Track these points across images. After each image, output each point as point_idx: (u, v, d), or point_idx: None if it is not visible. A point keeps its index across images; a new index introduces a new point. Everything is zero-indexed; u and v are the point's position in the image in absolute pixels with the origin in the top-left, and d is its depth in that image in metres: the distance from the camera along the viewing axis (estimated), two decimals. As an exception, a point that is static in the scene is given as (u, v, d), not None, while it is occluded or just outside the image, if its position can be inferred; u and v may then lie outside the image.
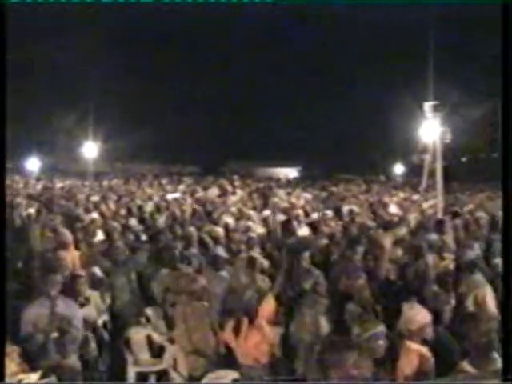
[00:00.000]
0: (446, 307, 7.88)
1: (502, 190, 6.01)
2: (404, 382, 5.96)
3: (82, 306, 8.34)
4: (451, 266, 10.24)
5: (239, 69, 76.52)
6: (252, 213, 17.35)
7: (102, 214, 16.63)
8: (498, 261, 10.47)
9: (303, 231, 14.23)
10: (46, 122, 54.57)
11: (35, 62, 56.70)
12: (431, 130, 20.44)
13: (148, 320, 8.73)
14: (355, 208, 19.27)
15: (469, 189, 36.18)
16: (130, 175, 44.25)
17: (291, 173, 72.89)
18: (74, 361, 7.36)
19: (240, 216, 16.45)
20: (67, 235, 12.01)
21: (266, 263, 10.81)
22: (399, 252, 10.91)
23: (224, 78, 76.18)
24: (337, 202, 21.86)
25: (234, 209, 18.21)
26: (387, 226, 14.40)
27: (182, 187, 30.32)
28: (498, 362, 5.74)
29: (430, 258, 10.58)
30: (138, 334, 8.57)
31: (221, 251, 11.51)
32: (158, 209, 18.50)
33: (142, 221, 16.06)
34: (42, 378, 6.09)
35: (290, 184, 41.03)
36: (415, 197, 25.84)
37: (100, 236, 13.30)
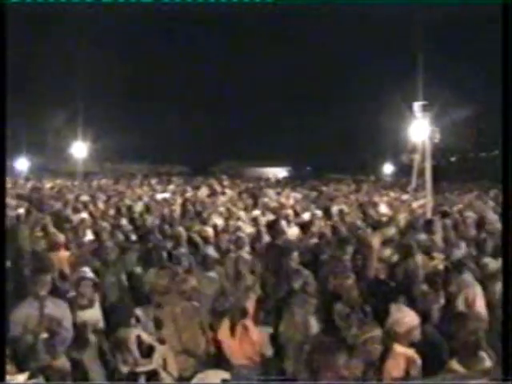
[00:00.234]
0: (435, 306, 7.89)
1: (502, 190, 6.05)
2: (393, 382, 5.98)
3: (85, 308, 8.30)
4: (441, 265, 10.27)
5: (231, 70, 76.54)
6: (241, 213, 17.36)
7: (91, 214, 16.61)
8: (487, 260, 10.53)
9: (293, 231, 14.24)
10: (35, 121, 54.42)
11: (24, 61, 56.50)
12: (420, 129, 20.48)
13: (138, 320, 8.71)
14: (345, 208, 19.30)
15: (458, 188, 36.30)
16: (120, 175, 44.19)
17: (281, 173, 72.93)
18: (63, 362, 7.34)
19: (229, 216, 16.46)
20: (59, 235, 12.00)
21: (255, 263, 10.81)
22: (388, 251, 10.92)
23: (214, 79, 76.23)
24: (326, 202, 21.87)
25: (223, 209, 18.22)
26: (377, 225, 14.43)
27: (171, 187, 30.31)
28: (485, 360, 5.77)
29: (420, 258, 10.62)
30: (127, 334, 8.54)
31: (211, 251, 11.52)
32: (147, 209, 18.48)
33: (131, 221, 16.03)
34: (29, 378, 6.07)
35: (279, 184, 41.04)
36: (405, 196, 25.90)
37: (89, 236, 13.28)
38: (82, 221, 14.41)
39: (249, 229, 14.42)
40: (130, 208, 18.47)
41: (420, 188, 24.04)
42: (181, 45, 78.82)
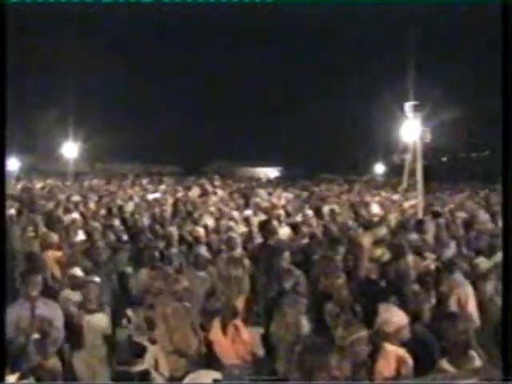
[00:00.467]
0: (426, 306, 7.90)
1: (502, 190, 6.06)
2: (383, 382, 5.99)
3: (93, 312, 8.27)
4: (432, 265, 10.30)
5: (223, 70, 76.52)
6: (233, 213, 17.36)
7: (82, 215, 16.59)
8: (479, 260, 10.58)
9: (284, 231, 14.25)
10: (25, 121, 54.26)
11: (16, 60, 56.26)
12: (412, 129, 20.57)
13: (129, 320, 8.71)
14: (336, 208, 19.33)
15: (449, 188, 36.38)
16: (111, 175, 44.12)
17: (272, 173, 72.94)
18: (54, 362, 7.34)
19: (220, 216, 16.47)
20: (52, 235, 11.99)
21: (246, 263, 10.82)
22: (379, 251, 10.95)
23: (207, 79, 76.17)
24: (318, 202, 21.90)
25: (214, 209, 18.22)
26: (368, 225, 14.46)
27: (163, 187, 30.27)
28: (475, 360, 5.79)
29: (411, 258, 10.64)
30: (119, 335, 8.55)
31: (203, 251, 11.53)
32: (138, 209, 18.46)
33: (123, 221, 16.02)
34: (20, 379, 6.07)
35: (270, 184, 41.04)
36: (395, 196, 25.95)
37: (81, 236, 13.25)
38: (74, 221, 14.38)
39: (240, 229, 14.43)
40: (121, 208, 18.46)
41: (411, 188, 24.11)
42: (175, 45, 78.74)
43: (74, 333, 8.02)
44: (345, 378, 5.17)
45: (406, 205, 20.87)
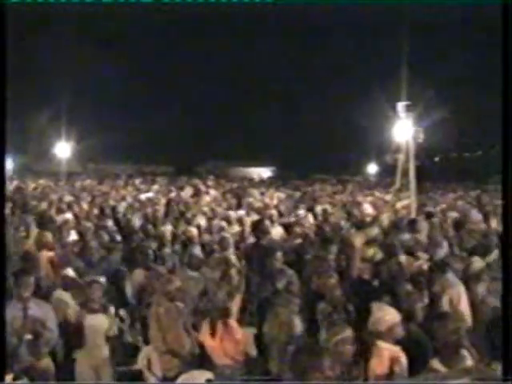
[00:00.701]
0: (419, 306, 7.92)
1: (502, 190, 6.07)
2: (375, 382, 6.01)
3: (95, 312, 8.23)
4: (425, 265, 10.32)
5: (215, 69, 76.49)
6: (228, 212, 17.38)
7: (75, 215, 16.56)
8: (471, 260, 10.60)
9: (277, 231, 14.26)
10: (18, 121, 54.11)
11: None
12: (404, 129, 20.57)
13: (122, 320, 8.70)
14: (329, 208, 19.36)
15: (441, 188, 36.46)
16: (103, 175, 44.06)
17: (265, 173, 72.90)
18: (47, 362, 7.33)
19: (213, 216, 16.47)
20: (47, 235, 11.96)
21: (239, 263, 10.83)
22: (372, 251, 10.97)
23: (199, 78, 76.12)
24: (310, 202, 21.93)
25: (207, 209, 18.23)
26: (360, 225, 14.48)
27: (156, 187, 30.26)
28: (467, 359, 5.81)
29: (403, 258, 10.66)
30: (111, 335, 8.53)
31: (197, 251, 11.53)
32: (131, 209, 18.45)
33: (116, 221, 16.00)
34: (14, 379, 6.06)
35: (263, 184, 41.05)
36: (388, 197, 25.96)
37: (73, 236, 13.23)
38: (66, 222, 14.35)
39: (234, 229, 14.45)
40: (114, 208, 18.44)
41: (404, 188, 24.12)
42: (168, 44, 78.62)
43: (74, 333, 8.00)
44: (338, 378, 5.19)
45: (399, 205, 20.89)
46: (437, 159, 77.56)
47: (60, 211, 17.07)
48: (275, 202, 22.13)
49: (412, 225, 13.89)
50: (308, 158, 70.52)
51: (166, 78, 75.94)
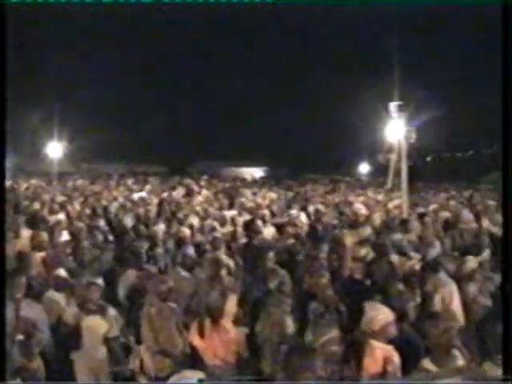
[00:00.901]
0: (410, 305, 7.93)
1: (502, 190, 6.09)
2: (368, 382, 6.01)
3: (93, 313, 8.19)
4: (417, 265, 10.34)
5: (207, 70, 76.48)
6: (222, 212, 17.40)
7: (67, 215, 16.53)
8: (464, 259, 10.62)
9: (269, 231, 14.27)
10: (10, 121, 53.85)
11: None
12: (396, 129, 20.61)
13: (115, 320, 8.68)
14: (321, 207, 19.37)
15: (433, 188, 36.50)
16: (96, 175, 43.99)
17: (257, 173, 72.88)
18: (38, 363, 7.31)
19: (205, 216, 16.48)
20: (42, 235, 11.94)
21: (231, 263, 10.83)
22: (364, 251, 10.99)
23: (191, 79, 76.11)
24: (303, 202, 21.94)
25: (199, 208, 18.23)
26: (353, 225, 14.51)
27: (148, 187, 30.24)
28: (458, 359, 5.82)
29: (395, 257, 10.69)
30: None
31: (190, 251, 11.53)
32: (123, 209, 18.42)
33: (108, 221, 15.99)
34: (6, 380, 6.05)
35: (255, 184, 41.05)
36: (380, 196, 26.01)
37: (65, 236, 13.20)
38: (58, 222, 14.32)
39: (228, 228, 14.45)
40: (106, 208, 18.42)
41: (396, 188, 24.17)
42: (161, 45, 78.51)
43: (72, 334, 7.97)
44: (330, 377, 5.20)
45: (391, 205, 20.93)
46: (429, 159, 77.65)
47: (52, 211, 17.04)
48: (267, 201, 22.12)
49: (404, 225, 13.93)
50: (300, 158, 70.55)
51: (159, 79, 75.99)
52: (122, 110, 71.67)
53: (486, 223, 15.35)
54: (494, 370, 5.04)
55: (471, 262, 10.21)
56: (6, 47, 6.50)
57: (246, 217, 15.82)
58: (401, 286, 8.39)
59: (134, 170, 59.13)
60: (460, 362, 5.76)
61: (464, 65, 59.55)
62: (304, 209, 19.12)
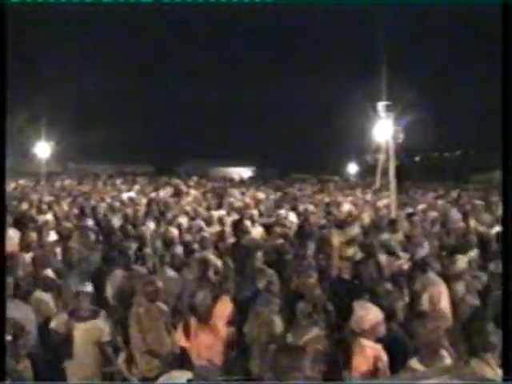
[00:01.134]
0: (399, 304, 7.95)
1: (502, 190, 6.10)
2: (357, 380, 6.02)
3: (85, 320, 8.12)
4: (406, 265, 10.36)
5: (195, 69, 76.48)
6: (210, 212, 17.40)
7: (55, 215, 16.49)
8: (453, 259, 10.65)
9: (257, 231, 14.27)
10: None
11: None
12: (384, 129, 20.66)
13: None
14: (309, 207, 19.39)
15: (421, 188, 36.55)
16: (84, 175, 43.89)
17: (245, 172, 72.86)
18: (26, 365, 7.28)
19: (194, 216, 16.46)
20: (31, 235, 11.89)
21: (219, 263, 10.82)
22: (352, 250, 11.01)
23: (181, 78, 76.10)
24: (291, 202, 21.96)
25: (189, 208, 18.22)
26: (341, 224, 14.52)
27: (137, 187, 30.18)
28: (446, 358, 5.83)
29: (384, 257, 10.71)
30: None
31: (179, 251, 11.52)
32: (111, 209, 18.38)
33: (96, 221, 15.94)
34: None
35: (244, 184, 41.04)
36: (369, 196, 26.05)
37: (53, 237, 13.16)
38: (46, 222, 14.28)
39: (215, 228, 14.44)
40: (94, 209, 18.36)
41: (384, 188, 24.21)
42: (150, 44, 78.49)
43: (63, 342, 7.90)
44: (318, 378, 5.21)
45: (379, 204, 20.96)
46: (417, 159, 77.89)
47: (39, 212, 16.99)
48: (255, 201, 22.11)
49: (392, 224, 13.96)
50: (288, 158, 70.63)
51: (148, 79, 75.89)
52: (110, 110, 71.55)
53: (473, 223, 15.41)
54: (483, 368, 5.07)
55: (461, 262, 10.24)
56: (5, 47, 6.47)
57: (235, 216, 15.81)
58: (389, 286, 8.41)
59: (123, 170, 58.97)
60: (447, 361, 5.77)
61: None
62: (293, 209, 19.13)
